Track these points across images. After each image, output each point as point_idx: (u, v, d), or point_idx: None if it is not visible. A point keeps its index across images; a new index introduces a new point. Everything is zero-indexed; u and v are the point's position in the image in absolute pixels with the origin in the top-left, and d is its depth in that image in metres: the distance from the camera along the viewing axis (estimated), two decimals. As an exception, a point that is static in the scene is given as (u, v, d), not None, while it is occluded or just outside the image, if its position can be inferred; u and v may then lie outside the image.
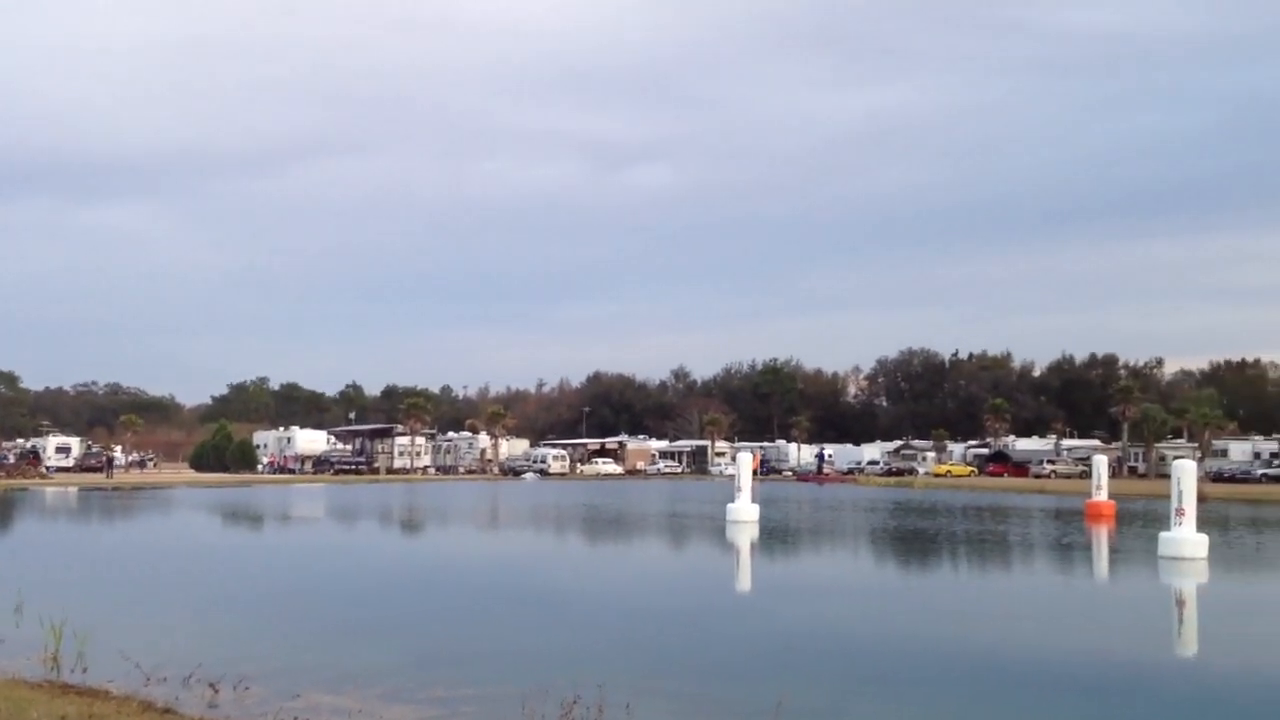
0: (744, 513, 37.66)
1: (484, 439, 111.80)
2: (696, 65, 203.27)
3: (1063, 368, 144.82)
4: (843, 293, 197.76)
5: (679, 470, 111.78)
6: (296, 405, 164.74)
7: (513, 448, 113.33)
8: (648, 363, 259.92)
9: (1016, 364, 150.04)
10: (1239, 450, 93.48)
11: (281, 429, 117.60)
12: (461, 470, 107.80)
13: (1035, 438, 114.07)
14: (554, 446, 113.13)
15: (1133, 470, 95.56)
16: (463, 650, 14.61)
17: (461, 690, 11.83)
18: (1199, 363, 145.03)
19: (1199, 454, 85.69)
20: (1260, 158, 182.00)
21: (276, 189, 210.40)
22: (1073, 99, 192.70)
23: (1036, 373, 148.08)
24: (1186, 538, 26.44)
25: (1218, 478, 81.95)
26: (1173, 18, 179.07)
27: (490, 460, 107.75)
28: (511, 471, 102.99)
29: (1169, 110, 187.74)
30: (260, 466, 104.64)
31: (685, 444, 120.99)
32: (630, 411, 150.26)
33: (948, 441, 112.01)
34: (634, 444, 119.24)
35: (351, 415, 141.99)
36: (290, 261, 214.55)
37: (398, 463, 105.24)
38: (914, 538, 35.47)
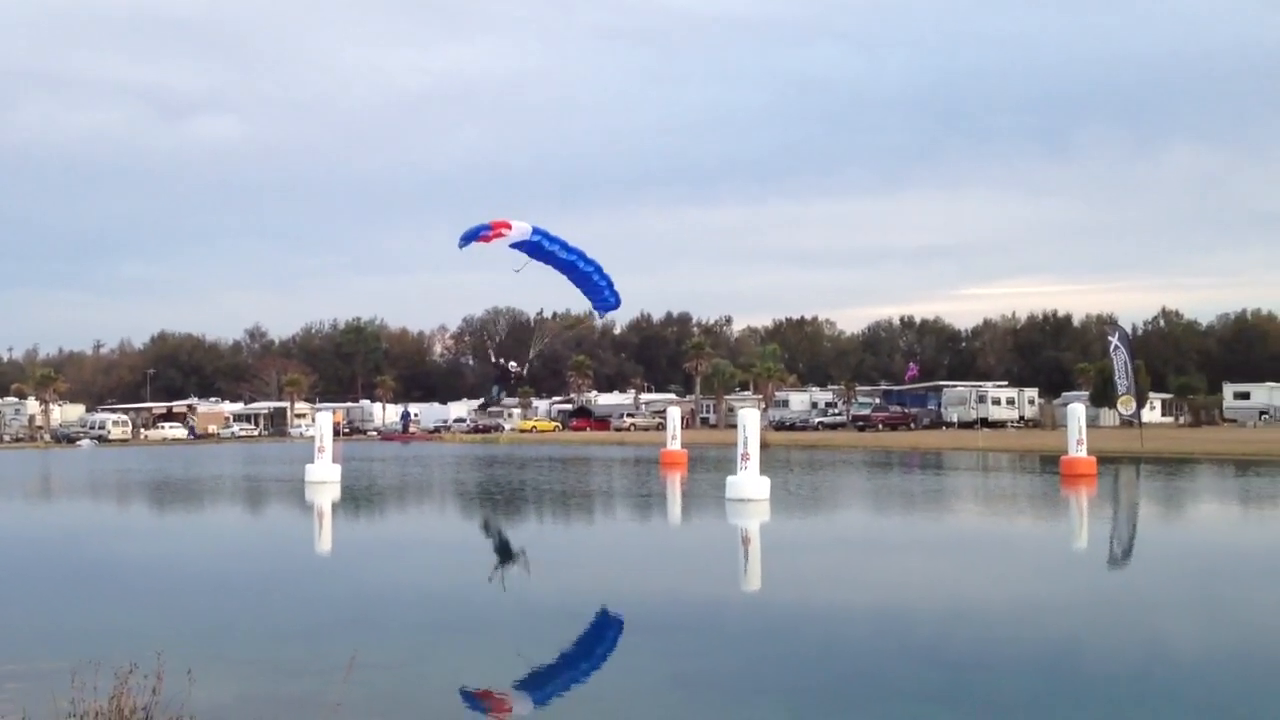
0: (324, 473, 36.56)
1: (33, 404, 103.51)
2: (262, 15, 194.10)
3: (641, 326, 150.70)
4: (422, 255, 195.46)
5: (256, 433, 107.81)
6: None
7: (66, 413, 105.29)
8: (218, 323, 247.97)
9: (598, 322, 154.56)
10: (799, 401, 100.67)
11: None
12: (7, 439, 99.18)
13: (616, 393, 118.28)
14: (114, 411, 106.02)
15: (704, 421, 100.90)
16: (2, 628, 13.24)
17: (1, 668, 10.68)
18: (764, 320, 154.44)
19: (763, 405, 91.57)
20: (808, 132, 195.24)
21: None
22: (638, 70, 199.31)
23: (617, 331, 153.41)
24: (750, 481, 28.02)
25: (780, 426, 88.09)
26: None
27: (40, 427, 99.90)
28: (65, 439, 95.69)
29: (725, 86, 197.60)
30: None
31: (262, 406, 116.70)
32: (200, 374, 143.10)
33: (533, 398, 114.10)
34: (205, 407, 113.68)
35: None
36: None
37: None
38: (493, 491, 35.75)
